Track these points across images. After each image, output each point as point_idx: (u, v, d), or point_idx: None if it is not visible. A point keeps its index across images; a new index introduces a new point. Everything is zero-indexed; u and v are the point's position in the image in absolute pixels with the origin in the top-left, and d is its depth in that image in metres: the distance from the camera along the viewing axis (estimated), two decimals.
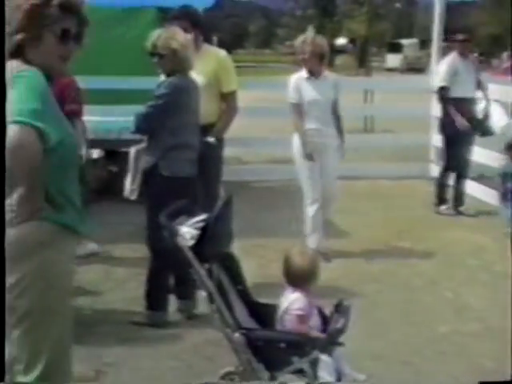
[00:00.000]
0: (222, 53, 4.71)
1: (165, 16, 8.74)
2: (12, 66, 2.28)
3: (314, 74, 5.25)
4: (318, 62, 5.22)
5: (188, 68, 4.03)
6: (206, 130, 4.36)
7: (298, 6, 50.23)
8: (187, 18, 4.45)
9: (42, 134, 2.15)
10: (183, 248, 2.97)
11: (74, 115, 4.57)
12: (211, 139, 4.43)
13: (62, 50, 2.37)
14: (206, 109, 4.27)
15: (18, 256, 2.30)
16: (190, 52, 4.03)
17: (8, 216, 2.27)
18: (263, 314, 3.24)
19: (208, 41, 4.91)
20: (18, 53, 2.30)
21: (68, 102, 4.54)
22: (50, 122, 2.20)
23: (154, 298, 4.15)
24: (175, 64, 3.97)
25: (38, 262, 2.33)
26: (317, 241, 5.33)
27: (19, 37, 2.28)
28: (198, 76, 4.20)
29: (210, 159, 4.34)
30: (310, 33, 5.28)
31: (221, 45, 7.44)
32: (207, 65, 4.43)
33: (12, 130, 2.10)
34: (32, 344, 2.37)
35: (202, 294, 3.08)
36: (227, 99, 4.60)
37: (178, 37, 4.01)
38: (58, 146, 2.26)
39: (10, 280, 2.30)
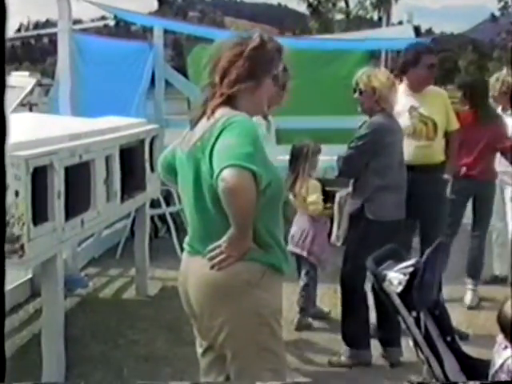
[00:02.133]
0: (443, 91, 4.73)
1: (372, 56, 8.86)
2: (223, 112, 2.36)
3: (505, 110, 5.39)
4: (509, 99, 5.23)
5: (388, 108, 3.99)
6: (436, 169, 4.41)
7: (510, 37, 47.94)
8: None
9: (257, 177, 2.19)
10: (391, 294, 2.87)
11: None
12: (447, 176, 4.51)
13: (275, 93, 2.46)
14: (437, 148, 4.40)
15: (227, 296, 2.36)
16: (391, 92, 3.99)
17: (217, 257, 2.33)
18: (474, 369, 3.03)
19: None
20: (230, 100, 2.38)
21: None
22: (261, 166, 2.24)
23: (356, 337, 4.08)
24: (374, 102, 3.94)
25: (248, 301, 2.37)
26: None
27: (241, 86, 2.37)
28: (435, 115, 4.35)
29: (440, 197, 4.42)
30: (504, 71, 5.40)
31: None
32: (437, 104, 4.45)
33: (230, 173, 2.14)
34: (249, 381, 2.43)
35: (409, 343, 2.97)
36: (452, 137, 4.58)
37: (380, 76, 4.00)
38: (268, 188, 2.31)
39: (218, 319, 2.38)
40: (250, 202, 2.19)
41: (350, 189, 4.08)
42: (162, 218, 6.99)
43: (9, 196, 3.23)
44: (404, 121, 4.25)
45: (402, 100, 4.29)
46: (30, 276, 5.22)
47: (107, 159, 4.31)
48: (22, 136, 3.59)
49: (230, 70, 2.38)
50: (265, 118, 2.55)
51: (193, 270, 2.46)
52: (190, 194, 2.43)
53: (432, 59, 4.38)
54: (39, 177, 3.41)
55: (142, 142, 5.04)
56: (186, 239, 2.56)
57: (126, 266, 6.05)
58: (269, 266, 2.41)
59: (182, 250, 6.47)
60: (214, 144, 2.27)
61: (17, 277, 5.16)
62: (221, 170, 2.15)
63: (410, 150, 4.19)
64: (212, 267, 2.34)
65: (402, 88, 4.37)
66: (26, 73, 15.26)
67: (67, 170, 3.69)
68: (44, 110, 11.20)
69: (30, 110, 11.59)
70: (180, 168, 2.52)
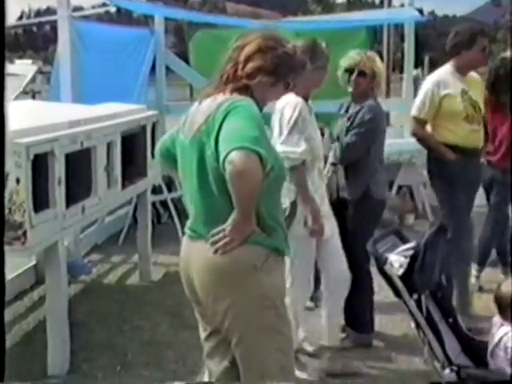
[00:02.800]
0: (479, 77, 4.66)
1: (374, 40, 8.82)
2: (227, 96, 2.40)
3: None
4: None
5: (378, 93, 4.15)
6: (481, 153, 4.52)
7: None
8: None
9: (263, 160, 2.21)
10: (392, 276, 2.88)
11: None
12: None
13: (277, 95, 2.65)
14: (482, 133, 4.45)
15: (231, 279, 2.39)
16: (382, 78, 4.16)
17: (220, 241, 2.35)
18: (476, 349, 3.05)
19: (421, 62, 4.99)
20: (242, 88, 2.45)
21: None
22: (265, 149, 2.26)
23: (362, 321, 4.10)
24: (370, 86, 3.99)
25: (253, 284, 2.40)
26: None
27: (264, 77, 2.46)
28: (479, 100, 4.37)
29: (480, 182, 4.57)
30: (508, 53, 5.10)
31: (432, 65, 7.25)
32: (479, 89, 4.46)
33: (238, 156, 2.16)
34: (257, 361, 2.46)
35: (411, 325, 2.98)
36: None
37: (378, 60, 4.09)
38: (271, 172, 2.32)
39: (223, 303, 2.40)
40: (257, 185, 2.21)
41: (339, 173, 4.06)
42: (164, 203, 7.00)
43: (10, 183, 3.24)
44: (457, 104, 4.27)
45: (451, 82, 4.29)
46: (33, 263, 5.24)
47: (108, 146, 4.31)
48: (22, 123, 3.60)
49: (253, 57, 2.46)
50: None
51: (196, 255, 2.46)
52: (193, 178, 2.43)
53: (485, 41, 4.31)
54: (40, 164, 3.42)
55: (143, 128, 5.04)
56: (188, 224, 2.57)
57: (128, 253, 6.07)
58: (272, 249, 2.43)
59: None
60: (220, 127, 2.29)
61: (21, 264, 5.19)
62: (228, 153, 2.17)
63: (464, 133, 4.27)
64: (215, 251, 2.35)
65: (447, 70, 4.35)
66: (29, 61, 15.26)
67: (68, 156, 3.69)
68: (47, 98, 11.21)
69: (33, 97, 11.62)
70: (181, 153, 2.53)
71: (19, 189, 3.25)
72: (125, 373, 3.73)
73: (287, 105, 3.48)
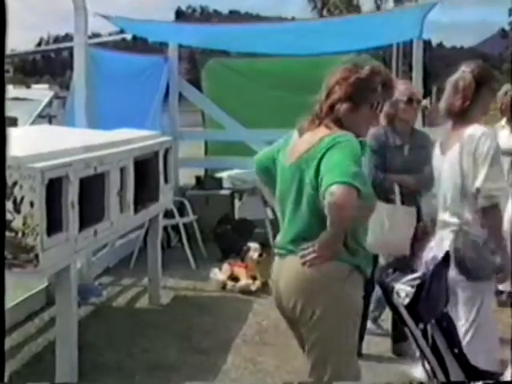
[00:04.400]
0: None
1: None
2: (329, 131, 2.62)
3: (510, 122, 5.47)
4: None
5: None
6: None
7: None
8: None
9: (360, 195, 2.46)
10: (398, 306, 2.91)
11: None
12: None
13: (371, 119, 2.75)
14: None
15: (318, 289, 2.66)
16: None
17: (310, 255, 2.62)
18: (481, 379, 3.05)
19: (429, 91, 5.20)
20: (334, 119, 2.66)
21: None
22: (363, 182, 2.53)
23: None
24: None
25: (337, 296, 2.68)
26: None
27: (343, 106, 2.65)
28: None
29: None
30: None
31: (440, 94, 7.30)
32: None
33: (339, 189, 2.42)
34: (332, 365, 2.71)
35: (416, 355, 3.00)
36: None
37: None
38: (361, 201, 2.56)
39: (309, 308, 2.66)
40: (351, 216, 2.49)
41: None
42: (175, 228, 7.06)
43: (24, 207, 3.32)
44: None
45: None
46: (45, 284, 5.31)
47: (121, 171, 4.39)
48: (38, 147, 3.69)
49: (333, 90, 2.68)
50: (357, 137, 2.68)
51: (286, 268, 2.72)
52: (289, 198, 2.72)
53: None
54: (54, 188, 3.49)
55: (156, 153, 5.12)
56: (276, 243, 2.83)
57: (139, 276, 6.13)
58: (355, 267, 2.71)
59: (195, 259, 6.56)
60: (321, 159, 2.55)
61: (32, 286, 5.25)
62: (330, 185, 2.43)
63: None
64: (303, 264, 2.63)
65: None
66: (46, 85, 15.46)
67: (82, 181, 3.77)
68: (62, 122, 11.37)
69: (50, 121, 11.79)
70: (281, 174, 2.80)
71: (33, 212, 3.33)
72: None
73: (483, 135, 3.17)
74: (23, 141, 4.24)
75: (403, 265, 3.16)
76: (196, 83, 8.66)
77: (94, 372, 4.01)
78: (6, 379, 2.29)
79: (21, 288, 5.26)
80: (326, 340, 2.71)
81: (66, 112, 6.88)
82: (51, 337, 4.60)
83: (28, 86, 15.92)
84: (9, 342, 4.55)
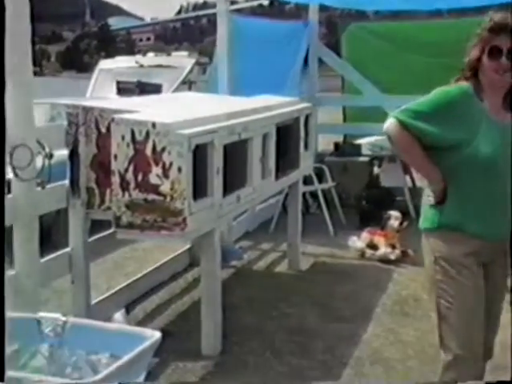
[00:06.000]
0: None
1: None
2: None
3: None
4: None
5: None
6: None
7: None
8: None
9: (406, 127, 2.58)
10: None
11: None
12: None
13: (493, 66, 2.56)
14: None
15: None
16: None
17: None
18: None
19: None
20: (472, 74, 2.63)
21: None
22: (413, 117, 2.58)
23: None
24: None
25: None
26: None
27: (471, 60, 2.63)
28: None
29: None
30: None
31: None
32: None
33: (387, 122, 2.59)
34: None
35: None
36: None
37: None
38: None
39: None
40: (400, 147, 2.71)
41: None
42: (314, 194, 7.07)
43: (172, 172, 3.43)
44: None
45: None
46: (188, 246, 5.50)
47: (264, 137, 4.43)
48: (184, 114, 3.79)
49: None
50: None
51: None
52: None
53: None
54: (200, 154, 3.58)
55: (297, 120, 5.12)
56: None
57: (277, 241, 6.21)
58: None
59: (333, 226, 6.51)
60: None
61: (176, 248, 5.47)
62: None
63: None
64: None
65: None
66: (185, 53, 15.91)
67: (225, 147, 3.84)
68: (202, 88, 11.71)
69: (189, 87, 12.16)
70: None
71: (181, 177, 3.43)
72: (273, 359, 3.82)
73: None
74: (170, 107, 4.38)
75: None
76: (334, 48, 8.54)
77: (236, 333, 4.12)
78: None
79: (164, 250, 5.50)
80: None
81: (209, 79, 7.03)
82: (195, 297, 4.79)
83: (168, 54, 16.41)
84: (156, 300, 4.79)
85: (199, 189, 3.60)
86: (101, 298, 4.34)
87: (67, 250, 3.94)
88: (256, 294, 4.89)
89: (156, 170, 3.45)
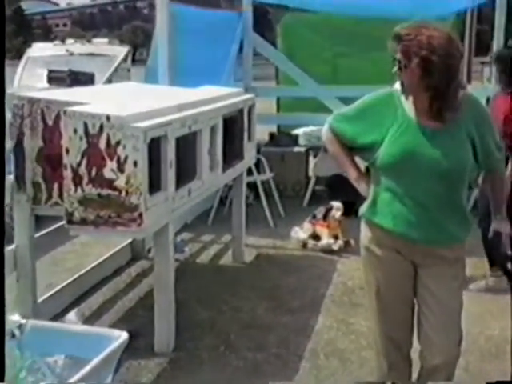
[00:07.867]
0: None
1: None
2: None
3: None
4: None
5: None
6: None
7: None
8: None
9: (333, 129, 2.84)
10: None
11: None
12: None
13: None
14: None
15: None
16: None
17: None
18: None
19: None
20: None
21: None
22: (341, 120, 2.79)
23: None
24: None
25: None
26: None
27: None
28: None
29: None
30: None
31: None
32: None
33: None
34: None
35: None
36: None
37: None
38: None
39: None
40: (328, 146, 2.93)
41: None
42: (250, 185, 7.04)
43: (127, 166, 3.33)
44: None
45: None
46: (129, 241, 5.38)
47: (212, 129, 4.37)
48: (134, 107, 3.68)
49: None
50: None
51: None
52: None
53: None
54: (154, 147, 3.49)
55: (241, 111, 5.08)
56: None
57: (217, 232, 6.18)
58: None
59: (273, 217, 6.49)
60: None
61: (117, 242, 5.35)
62: None
63: None
64: None
65: None
66: (105, 39, 15.51)
67: (176, 140, 3.76)
68: (128, 76, 11.55)
69: (129, 77, 11.93)
70: None
71: (136, 172, 3.33)
72: (229, 354, 3.79)
73: None
74: (119, 99, 4.24)
75: None
76: (269, 38, 8.53)
77: (189, 329, 4.06)
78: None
79: (106, 245, 5.37)
80: None
81: (147, 68, 6.89)
82: (141, 292, 4.70)
83: (88, 40, 15.99)
84: (101, 297, 4.67)
85: (154, 183, 3.52)
86: (46, 295, 4.19)
87: (12, 247, 3.78)
88: (204, 288, 4.84)
89: (111, 165, 3.35)
